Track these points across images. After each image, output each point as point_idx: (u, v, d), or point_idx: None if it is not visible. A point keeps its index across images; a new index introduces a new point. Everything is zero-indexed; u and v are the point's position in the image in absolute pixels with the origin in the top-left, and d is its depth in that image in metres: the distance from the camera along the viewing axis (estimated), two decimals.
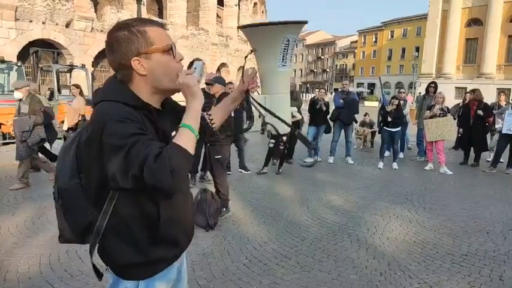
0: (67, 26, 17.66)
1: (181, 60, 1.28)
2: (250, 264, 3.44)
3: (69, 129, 7.27)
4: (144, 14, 19.81)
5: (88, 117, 7.72)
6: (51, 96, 10.96)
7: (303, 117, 8.20)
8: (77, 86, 7.68)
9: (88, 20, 18.62)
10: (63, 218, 1.31)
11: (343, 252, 3.73)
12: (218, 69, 29.82)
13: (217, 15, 30.33)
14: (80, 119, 7.20)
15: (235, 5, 31.61)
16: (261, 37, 1.49)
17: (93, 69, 19.29)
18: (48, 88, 13.19)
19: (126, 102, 1.17)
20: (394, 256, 3.65)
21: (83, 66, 12.30)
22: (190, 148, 1.12)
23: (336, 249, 3.81)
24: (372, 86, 59.84)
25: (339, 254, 3.69)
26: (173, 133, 1.36)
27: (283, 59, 1.50)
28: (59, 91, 11.61)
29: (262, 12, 40.37)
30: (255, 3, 36.96)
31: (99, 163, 1.14)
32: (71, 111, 7.27)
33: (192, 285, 3.02)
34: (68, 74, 13.78)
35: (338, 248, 3.83)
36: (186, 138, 1.13)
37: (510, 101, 7.92)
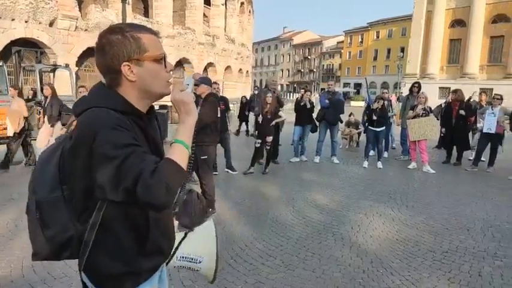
0: (50, 24, 17.37)
1: (171, 70, 1.27)
2: (236, 264, 3.46)
3: (14, 133, 6.97)
4: (129, 13, 19.65)
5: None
6: (33, 97, 10.76)
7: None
8: (15, 88, 7.42)
9: (72, 18, 18.34)
10: (39, 233, 1.22)
11: (327, 251, 3.78)
12: (205, 69, 29.72)
13: (204, 14, 30.21)
14: (24, 121, 6.92)
15: (222, 5, 31.56)
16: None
17: (77, 68, 19.01)
18: (31, 88, 12.95)
19: (115, 107, 1.15)
20: (377, 254, 3.72)
21: (67, 65, 12.10)
22: (184, 164, 1.13)
23: (320, 247, 3.86)
24: (358, 86, 60.46)
25: (323, 252, 3.74)
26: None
27: (182, 258, 1.66)
28: (42, 91, 11.40)
29: (250, 12, 40.38)
30: (242, 3, 36.95)
31: (86, 172, 1.11)
32: (13, 115, 6.88)
33: (177, 286, 3.03)
34: (51, 74, 13.54)
35: (322, 247, 3.88)
36: (180, 154, 1.13)
37: (491, 101, 8.05)
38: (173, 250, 1.55)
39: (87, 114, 1.15)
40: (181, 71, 26.90)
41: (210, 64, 30.32)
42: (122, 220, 1.20)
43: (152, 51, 1.20)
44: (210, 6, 31.14)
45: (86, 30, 19.24)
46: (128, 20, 16.72)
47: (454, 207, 5.30)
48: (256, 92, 12.32)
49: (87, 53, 19.94)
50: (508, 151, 7.82)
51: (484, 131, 7.61)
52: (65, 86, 11.79)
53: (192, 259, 1.63)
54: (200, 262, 1.64)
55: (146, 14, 27.87)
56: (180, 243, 1.59)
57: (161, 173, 1.04)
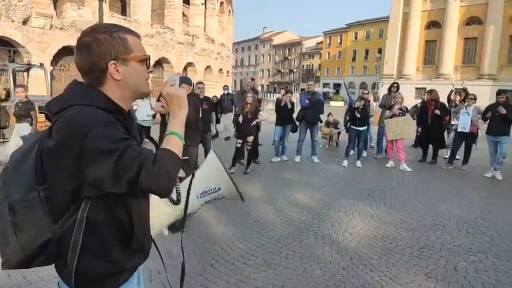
0: (24, 23, 16.83)
1: (150, 72, 1.34)
2: (217, 264, 3.45)
3: None
4: (106, 12, 19.27)
5: None
6: (7, 97, 10.43)
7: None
8: None
9: (47, 17, 17.84)
10: (12, 238, 1.16)
11: (309, 249, 3.82)
12: (185, 69, 29.46)
13: (183, 13, 29.94)
14: None
15: (202, 4, 31.35)
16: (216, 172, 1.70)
17: (52, 68, 18.50)
18: (4, 88, 12.55)
19: (98, 105, 1.15)
20: (356, 251, 3.78)
21: (42, 65, 11.78)
22: (180, 153, 1.21)
23: (301, 246, 3.89)
24: (337, 86, 61.26)
25: (305, 250, 3.78)
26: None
27: (202, 194, 1.68)
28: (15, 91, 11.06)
29: (229, 12, 40.29)
30: (222, 3, 36.81)
31: (75, 171, 1.10)
32: None
33: (158, 287, 3.00)
34: (25, 74, 13.15)
35: (303, 245, 3.91)
36: (176, 144, 1.20)
37: (466, 100, 8.26)
38: (186, 194, 1.60)
39: (72, 112, 1.13)
40: (161, 70, 26.60)
41: (189, 64, 30.06)
42: (107, 220, 1.19)
43: (137, 52, 1.26)
44: (189, 5, 30.88)
45: (61, 28, 18.75)
46: (105, 19, 16.40)
47: (430, 204, 5.44)
48: (225, 92, 11.92)
49: (63, 52, 19.42)
50: (482, 149, 8.08)
51: (459, 130, 7.84)
52: (39, 86, 11.46)
53: (212, 189, 1.67)
54: (220, 189, 1.68)
55: (124, 12, 27.39)
56: (190, 185, 1.61)
57: (162, 162, 1.11)
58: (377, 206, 5.30)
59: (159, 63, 26.40)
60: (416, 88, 36.90)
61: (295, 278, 3.22)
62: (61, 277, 1.23)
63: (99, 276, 1.21)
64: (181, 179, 1.70)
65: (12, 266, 1.19)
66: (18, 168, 1.20)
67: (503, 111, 6.90)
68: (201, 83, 7.07)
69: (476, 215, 5.04)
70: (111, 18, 21.39)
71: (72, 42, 19.76)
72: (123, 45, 1.21)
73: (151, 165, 1.07)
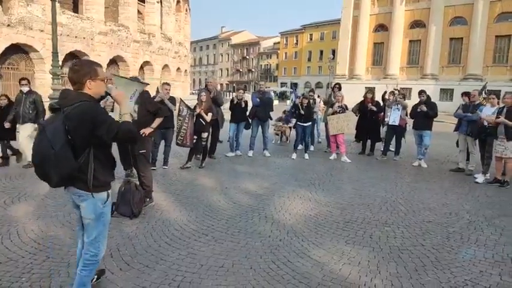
0: None
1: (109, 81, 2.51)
2: (171, 241, 3.96)
3: None
4: (57, 9, 18.82)
5: None
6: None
7: (223, 115, 8.80)
8: None
9: None
10: (55, 169, 2.34)
11: (252, 227, 4.42)
12: (141, 67, 29.24)
13: (139, 11, 29.65)
14: None
15: (157, 2, 31.16)
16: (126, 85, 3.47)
17: (0, 66, 17.86)
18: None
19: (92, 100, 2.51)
20: (293, 226, 4.45)
21: None
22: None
23: (246, 225, 4.49)
24: (294, 85, 62.67)
25: (249, 228, 4.38)
26: None
27: (130, 98, 3.26)
28: None
29: (186, 10, 40.24)
30: (178, 1, 36.71)
31: (90, 131, 2.38)
32: None
33: (118, 262, 3.45)
34: None
35: (248, 224, 4.51)
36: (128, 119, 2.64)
37: (398, 98, 9.24)
38: None
39: (83, 105, 2.41)
40: (116, 69, 26.23)
41: (146, 63, 29.84)
42: (101, 153, 2.56)
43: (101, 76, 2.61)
44: (144, 3, 30.58)
45: (8, 25, 18.13)
46: (56, 16, 16.09)
47: (360, 189, 6.26)
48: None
49: (11, 50, 18.80)
50: (412, 142, 9.10)
51: (390, 123, 8.82)
52: None
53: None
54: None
55: (76, 9, 26.68)
56: None
57: (125, 126, 2.53)
58: (316, 192, 6.03)
59: (114, 61, 26.06)
60: (366, 87, 38.83)
61: (238, 249, 3.81)
62: (78, 188, 2.50)
63: (105, 181, 2.61)
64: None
65: (57, 185, 2.47)
66: (55, 134, 2.34)
67: (424, 108, 7.93)
68: (167, 83, 7.21)
69: (398, 196, 5.91)
70: (62, 15, 20.90)
71: (22, 39, 19.18)
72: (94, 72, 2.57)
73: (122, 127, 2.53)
